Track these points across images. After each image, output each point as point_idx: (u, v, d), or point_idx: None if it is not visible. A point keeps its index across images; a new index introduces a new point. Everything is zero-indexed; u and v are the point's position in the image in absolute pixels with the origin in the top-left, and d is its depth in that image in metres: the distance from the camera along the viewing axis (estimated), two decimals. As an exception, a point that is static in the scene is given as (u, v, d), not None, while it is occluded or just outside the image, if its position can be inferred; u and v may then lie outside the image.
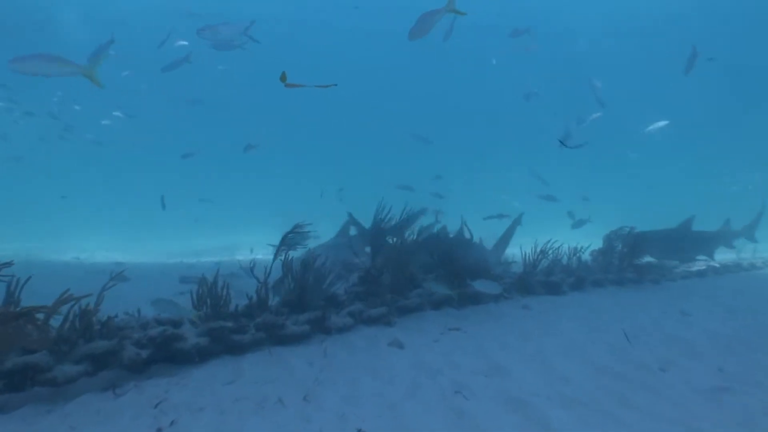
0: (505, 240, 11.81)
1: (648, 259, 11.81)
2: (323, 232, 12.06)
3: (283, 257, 6.65)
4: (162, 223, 35.42)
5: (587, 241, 11.75)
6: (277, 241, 6.97)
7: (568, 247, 10.77)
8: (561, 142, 9.22)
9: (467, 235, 9.90)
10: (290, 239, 6.68)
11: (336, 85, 3.61)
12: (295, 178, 59.96)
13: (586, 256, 10.85)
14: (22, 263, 14.63)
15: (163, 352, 4.75)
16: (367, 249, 10.02)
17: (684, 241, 12.87)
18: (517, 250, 11.53)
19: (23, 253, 18.31)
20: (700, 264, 13.19)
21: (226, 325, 5.19)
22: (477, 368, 5.04)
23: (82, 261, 16.25)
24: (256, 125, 48.96)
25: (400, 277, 7.27)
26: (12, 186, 58.19)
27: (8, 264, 4.95)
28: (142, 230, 35.01)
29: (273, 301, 6.63)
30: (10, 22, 30.36)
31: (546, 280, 9.00)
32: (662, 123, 23.62)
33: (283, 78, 3.52)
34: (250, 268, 6.48)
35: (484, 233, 11.45)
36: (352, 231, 12.21)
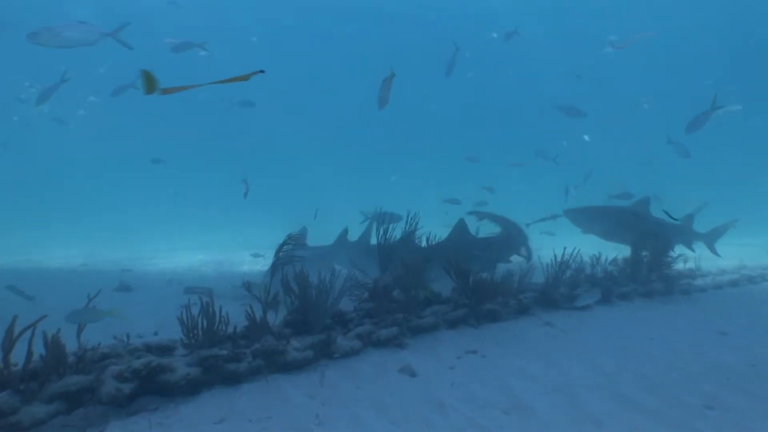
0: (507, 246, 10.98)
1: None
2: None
3: (273, 269, 6.21)
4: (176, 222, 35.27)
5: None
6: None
7: (591, 256, 10.22)
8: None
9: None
10: (286, 252, 6.22)
11: (263, 71, 3.05)
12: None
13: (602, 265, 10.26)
14: (31, 271, 14.48)
15: (148, 384, 4.30)
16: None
17: (643, 225, 11.30)
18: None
19: (33, 260, 18.16)
20: (730, 272, 12.53)
21: (220, 353, 4.73)
22: (496, 403, 4.53)
23: (89, 268, 15.95)
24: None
25: (412, 293, 6.76)
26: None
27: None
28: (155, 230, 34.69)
29: (276, 320, 6.19)
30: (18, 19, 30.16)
31: (570, 293, 8.44)
32: None
33: (149, 83, 3.00)
34: (247, 287, 6.02)
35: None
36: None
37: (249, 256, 18.16)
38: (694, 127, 12.56)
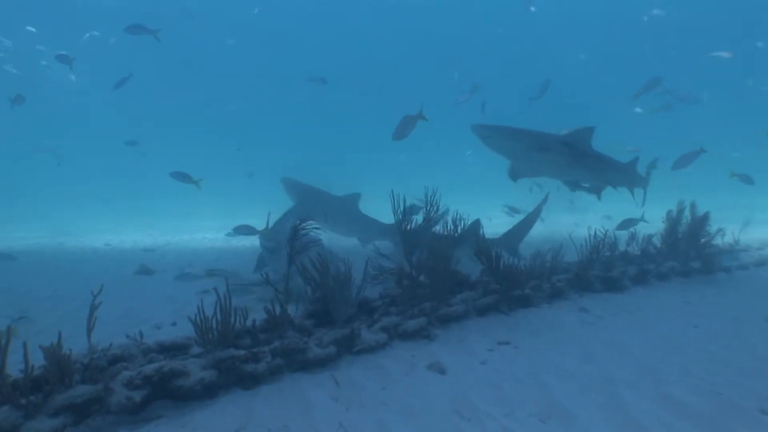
0: (526, 226, 9.99)
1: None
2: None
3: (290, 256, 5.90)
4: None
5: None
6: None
7: (629, 233, 9.78)
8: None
9: None
10: (298, 239, 5.90)
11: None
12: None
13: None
14: (51, 252, 14.43)
15: (161, 391, 4.05)
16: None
17: (578, 159, 9.66)
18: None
19: (56, 240, 18.14)
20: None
21: (237, 354, 4.45)
22: (532, 407, 4.20)
23: (113, 247, 15.87)
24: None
25: (440, 278, 6.40)
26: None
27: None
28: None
29: (296, 310, 5.91)
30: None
31: (605, 275, 8.03)
32: None
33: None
34: (265, 276, 5.71)
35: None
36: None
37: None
38: (681, 165, 12.45)
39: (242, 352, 4.51)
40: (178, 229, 22.18)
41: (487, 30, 46.52)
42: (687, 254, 9.42)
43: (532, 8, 37.59)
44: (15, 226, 24.11)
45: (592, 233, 8.44)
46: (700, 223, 9.66)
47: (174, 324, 6.57)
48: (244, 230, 9.38)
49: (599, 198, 10.87)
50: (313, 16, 45.30)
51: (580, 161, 9.70)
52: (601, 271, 8.13)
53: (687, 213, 9.80)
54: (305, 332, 5.43)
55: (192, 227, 21.67)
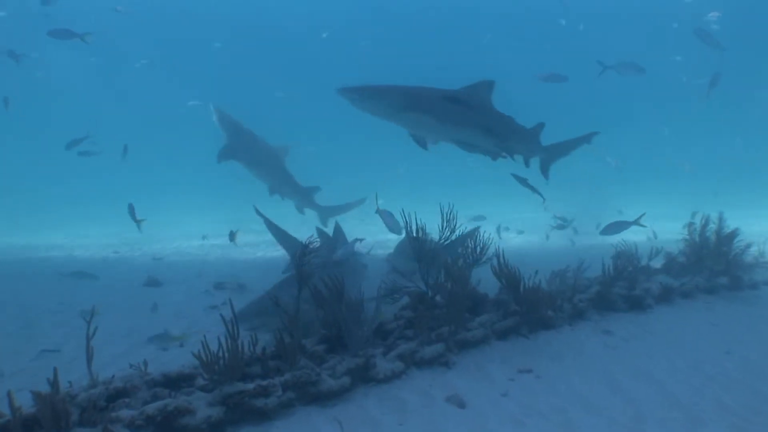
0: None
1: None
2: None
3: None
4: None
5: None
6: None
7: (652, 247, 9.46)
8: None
9: None
10: (306, 261, 5.64)
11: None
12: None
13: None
14: (60, 261, 14.25)
15: (165, 431, 3.80)
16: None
17: (475, 118, 8.40)
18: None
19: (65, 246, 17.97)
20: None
21: (245, 388, 4.21)
22: (560, 449, 3.93)
23: (121, 255, 15.68)
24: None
25: (458, 301, 6.11)
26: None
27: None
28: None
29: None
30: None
31: (628, 294, 7.71)
32: None
33: None
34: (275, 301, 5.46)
35: None
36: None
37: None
38: (610, 231, 10.86)
39: (251, 386, 4.26)
40: (185, 233, 21.94)
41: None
42: (712, 270, 9.08)
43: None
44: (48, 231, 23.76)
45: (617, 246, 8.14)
46: (729, 237, 9.32)
47: (181, 345, 6.33)
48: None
49: (527, 165, 9.61)
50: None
51: (467, 121, 8.43)
52: (623, 290, 7.81)
53: (712, 225, 9.45)
54: (317, 359, 5.16)
55: (196, 230, 21.36)
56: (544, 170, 9.99)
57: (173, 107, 46.75)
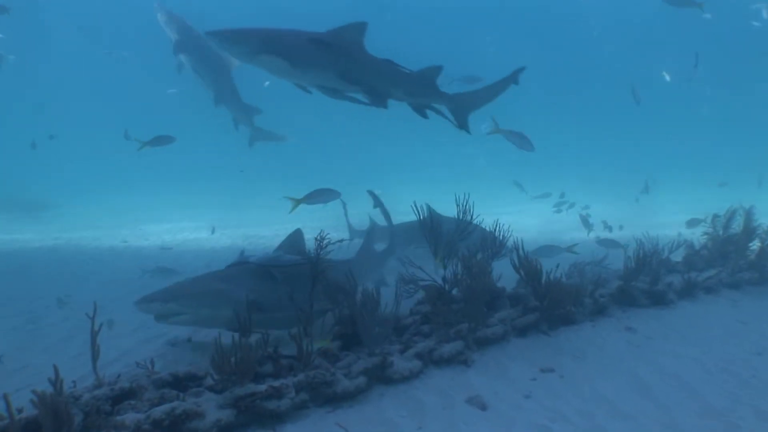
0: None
1: None
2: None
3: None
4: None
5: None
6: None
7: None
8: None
9: None
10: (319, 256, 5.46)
11: None
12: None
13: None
14: (67, 251, 14.09)
15: (173, 435, 3.60)
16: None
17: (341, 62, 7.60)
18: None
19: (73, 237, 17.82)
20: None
21: (257, 390, 4.00)
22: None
23: (129, 245, 15.51)
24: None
25: (477, 297, 5.86)
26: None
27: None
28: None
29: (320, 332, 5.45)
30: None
31: (650, 289, 7.45)
32: None
33: None
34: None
35: None
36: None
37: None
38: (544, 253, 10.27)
39: (263, 388, 4.05)
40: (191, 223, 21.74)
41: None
42: (736, 264, 8.80)
43: None
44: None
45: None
46: (755, 230, 9.04)
47: (189, 340, 6.14)
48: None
49: (423, 116, 8.60)
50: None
51: (326, 64, 7.73)
52: (645, 284, 7.54)
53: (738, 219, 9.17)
54: (331, 357, 4.96)
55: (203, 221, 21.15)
56: (460, 122, 8.60)
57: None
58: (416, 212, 6.47)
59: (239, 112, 13.35)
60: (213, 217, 20.52)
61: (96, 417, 3.40)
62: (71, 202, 31.61)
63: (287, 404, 4.10)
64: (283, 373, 4.56)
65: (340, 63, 7.64)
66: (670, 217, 17.73)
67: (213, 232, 17.39)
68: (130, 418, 3.52)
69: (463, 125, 8.51)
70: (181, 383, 4.31)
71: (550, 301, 6.24)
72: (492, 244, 6.67)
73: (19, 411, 3.44)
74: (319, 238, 5.56)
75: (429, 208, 6.86)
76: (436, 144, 50.28)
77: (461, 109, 8.44)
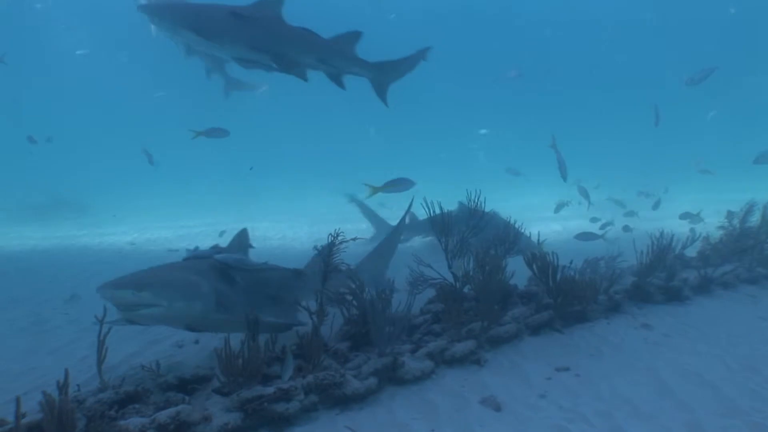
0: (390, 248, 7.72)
1: None
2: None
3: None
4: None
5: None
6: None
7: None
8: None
9: None
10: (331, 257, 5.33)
11: None
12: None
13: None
14: (74, 252, 14.05)
15: (178, 440, 3.49)
16: None
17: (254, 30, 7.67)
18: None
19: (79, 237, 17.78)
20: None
21: (265, 393, 3.89)
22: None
23: (137, 247, 15.44)
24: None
25: (490, 295, 5.73)
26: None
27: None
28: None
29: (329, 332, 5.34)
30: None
31: (666, 285, 7.28)
32: None
33: None
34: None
35: None
36: None
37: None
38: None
39: (271, 390, 3.94)
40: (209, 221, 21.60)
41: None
42: (754, 259, 8.60)
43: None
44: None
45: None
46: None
47: (197, 342, 6.03)
48: None
49: (340, 86, 8.43)
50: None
51: (241, 37, 7.82)
52: (660, 280, 7.38)
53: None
54: (340, 357, 4.85)
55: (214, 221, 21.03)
56: (380, 92, 8.47)
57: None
58: (427, 209, 6.44)
59: (212, 62, 13.11)
60: (225, 219, 20.39)
61: (99, 422, 3.29)
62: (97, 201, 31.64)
63: (296, 407, 3.99)
64: (292, 375, 4.45)
65: (252, 34, 7.71)
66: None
67: (221, 235, 16.93)
68: (134, 422, 3.41)
69: (382, 96, 8.44)
70: (188, 386, 4.22)
71: (563, 298, 6.10)
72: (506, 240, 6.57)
73: (23, 416, 3.34)
74: (333, 234, 5.44)
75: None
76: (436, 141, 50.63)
77: (381, 80, 8.37)
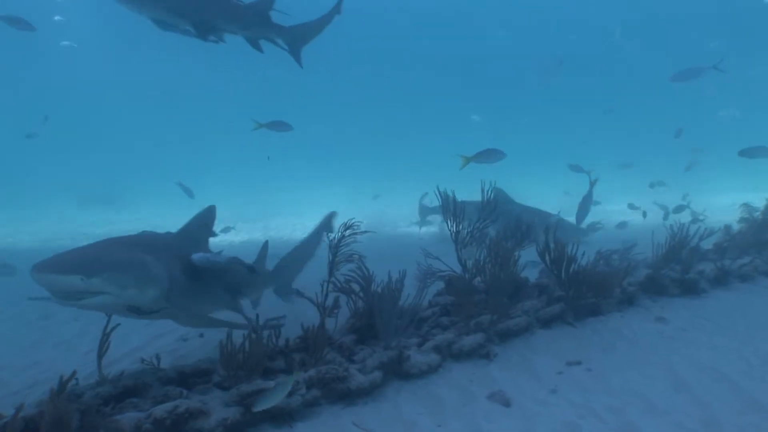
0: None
1: None
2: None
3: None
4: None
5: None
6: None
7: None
8: None
9: None
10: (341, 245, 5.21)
11: None
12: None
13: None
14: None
15: (176, 435, 3.40)
16: None
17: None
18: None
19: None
20: None
21: (265, 387, 3.78)
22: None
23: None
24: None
25: (501, 287, 5.60)
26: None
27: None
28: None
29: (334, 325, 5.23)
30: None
31: (681, 277, 7.10)
32: None
33: None
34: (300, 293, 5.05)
35: None
36: None
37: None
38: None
39: (272, 384, 3.83)
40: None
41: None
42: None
43: None
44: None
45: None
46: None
47: (201, 335, 5.96)
48: None
49: (258, 49, 8.66)
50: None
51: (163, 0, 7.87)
52: (675, 273, 7.20)
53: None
54: (345, 351, 4.74)
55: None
56: (294, 54, 8.69)
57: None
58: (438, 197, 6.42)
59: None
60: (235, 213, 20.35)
61: (94, 416, 3.21)
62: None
63: (298, 401, 3.89)
64: (295, 369, 4.35)
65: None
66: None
67: (227, 231, 16.20)
68: (129, 417, 3.33)
69: (296, 57, 8.67)
70: (188, 380, 4.13)
71: (575, 290, 5.95)
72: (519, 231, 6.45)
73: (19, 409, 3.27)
74: (347, 224, 5.32)
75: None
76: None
77: (296, 41, 8.58)
